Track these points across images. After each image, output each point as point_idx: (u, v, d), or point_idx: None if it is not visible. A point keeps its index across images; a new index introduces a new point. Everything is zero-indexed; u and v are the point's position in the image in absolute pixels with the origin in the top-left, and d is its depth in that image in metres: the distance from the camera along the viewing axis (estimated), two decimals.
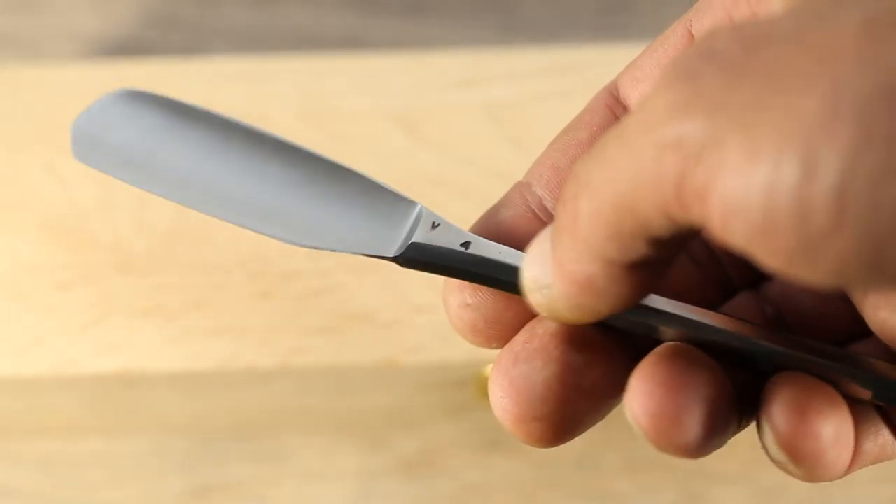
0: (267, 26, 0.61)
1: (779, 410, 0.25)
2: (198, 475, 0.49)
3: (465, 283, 0.27)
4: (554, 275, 0.25)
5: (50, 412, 0.49)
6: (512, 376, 0.26)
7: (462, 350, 0.44)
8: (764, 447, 0.26)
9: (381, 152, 0.49)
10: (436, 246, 0.28)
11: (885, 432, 0.27)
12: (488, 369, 0.28)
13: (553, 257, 0.25)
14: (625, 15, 0.61)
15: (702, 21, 0.28)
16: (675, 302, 0.26)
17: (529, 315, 0.27)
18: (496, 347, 0.28)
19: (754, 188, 0.21)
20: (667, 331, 0.26)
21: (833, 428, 0.25)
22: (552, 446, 0.26)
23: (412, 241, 0.28)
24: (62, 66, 0.55)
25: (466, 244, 0.27)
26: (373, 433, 0.50)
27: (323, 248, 0.28)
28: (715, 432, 0.25)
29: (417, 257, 0.28)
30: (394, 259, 0.28)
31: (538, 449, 0.28)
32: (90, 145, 0.29)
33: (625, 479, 0.49)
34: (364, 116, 0.50)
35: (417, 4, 0.61)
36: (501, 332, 0.28)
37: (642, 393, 0.25)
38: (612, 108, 0.29)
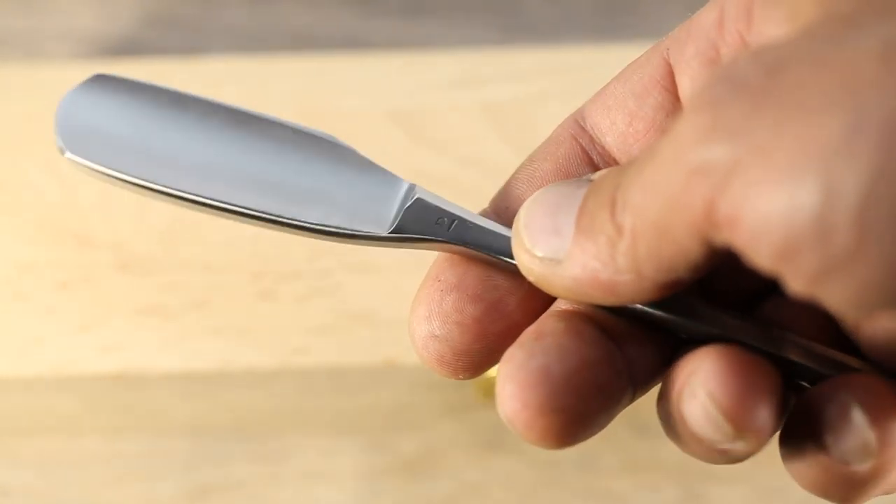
0: (267, 26, 0.61)
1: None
2: (198, 475, 0.49)
3: (433, 314, 0.27)
4: (572, 262, 0.25)
5: (50, 412, 0.49)
6: (530, 368, 0.25)
7: None
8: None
9: (381, 152, 0.49)
10: (425, 221, 0.28)
11: None
12: (492, 370, 0.28)
13: (577, 246, 0.25)
14: (625, 15, 0.61)
15: (681, 50, 0.28)
16: None
17: (498, 346, 0.27)
18: (463, 378, 0.28)
19: (776, 211, 0.21)
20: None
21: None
22: (565, 445, 0.26)
23: (401, 218, 0.28)
24: (62, 66, 0.55)
25: (455, 219, 0.28)
26: (373, 433, 0.50)
27: (309, 231, 0.28)
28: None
29: (408, 232, 0.28)
30: (387, 238, 0.28)
31: (538, 449, 0.28)
32: (78, 139, 0.29)
33: (625, 479, 0.49)
34: (364, 116, 0.50)
35: (417, 4, 0.61)
36: (469, 364, 0.27)
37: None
38: (578, 137, 0.29)
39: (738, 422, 0.24)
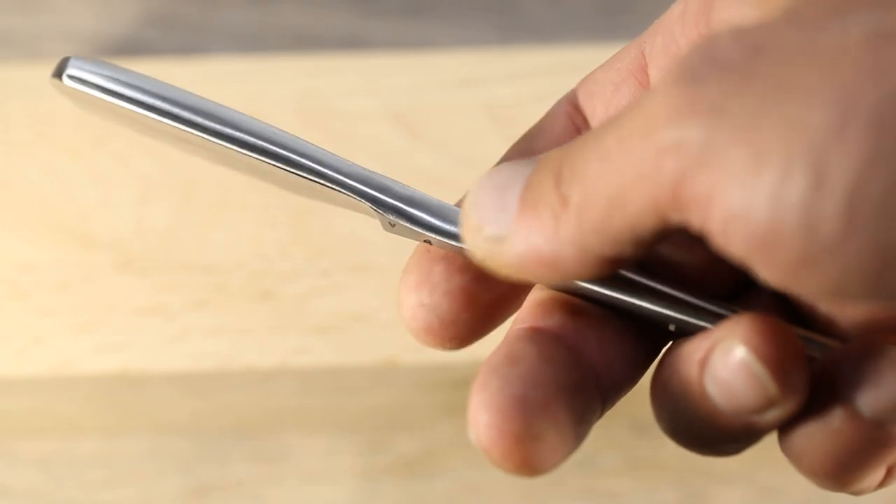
0: (267, 26, 0.61)
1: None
2: (198, 475, 0.49)
3: (422, 282, 0.27)
4: (515, 239, 0.24)
5: (50, 412, 0.49)
6: (506, 396, 0.24)
7: (462, 350, 0.44)
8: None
9: (381, 152, 0.49)
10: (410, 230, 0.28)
11: None
12: None
13: (520, 221, 0.24)
14: (625, 15, 0.61)
15: (652, 43, 0.28)
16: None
17: (486, 316, 0.27)
18: (450, 349, 0.28)
19: (759, 197, 0.21)
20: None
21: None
22: (541, 473, 0.25)
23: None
24: None
25: (430, 239, 0.28)
26: (373, 433, 0.50)
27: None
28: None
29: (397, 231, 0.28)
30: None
31: None
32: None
33: (625, 479, 0.49)
34: (364, 116, 0.50)
35: (417, 4, 0.61)
36: (456, 333, 0.27)
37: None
38: (572, 116, 0.29)
39: (783, 377, 0.23)
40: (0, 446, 0.50)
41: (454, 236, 0.27)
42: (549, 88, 0.50)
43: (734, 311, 0.26)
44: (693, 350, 0.25)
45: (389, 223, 0.28)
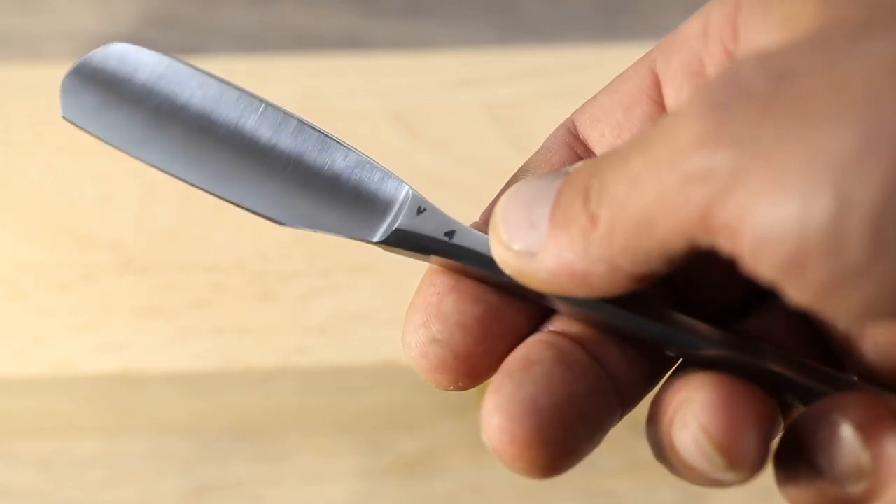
0: (267, 26, 0.61)
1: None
2: (198, 475, 0.49)
3: (430, 318, 0.26)
4: (547, 255, 0.25)
5: (50, 412, 0.49)
6: (518, 400, 0.25)
7: None
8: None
9: (381, 152, 0.49)
10: (419, 233, 0.27)
11: None
12: None
13: (551, 238, 0.25)
14: (625, 15, 0.61)
15: (668, 61, 0.28)
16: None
17: (501, 350, 0.26)
18: (461, 388, 0.27)
19: (785, 222, 0.21)
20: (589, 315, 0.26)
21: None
22: (552, 475, 0.25)
23: (396, 226, 0.27)
24: (62, 66, 0.55)
25: (451, 233, 0.27)
26: (373, 433, 0.50)
27: (306, 229, 0.28)
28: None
29: (401, 242, 0.27)
30: (377, 244, 0.28)
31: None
32: (79, 101, 0.29)
33: (625, 478, 0.49)
34: (364, 116, 0.50)
35: (417, 4, 0.61)
36: (471, 369, 0.26)
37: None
38: (572, 145, 0.29)
39: (731, 455, 0.24)
40: (0, 446, 0.50)
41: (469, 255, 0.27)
42: (549, 88, 0.50)
43: (725, 339, 0.26)
44: (665, 407, 0.25)
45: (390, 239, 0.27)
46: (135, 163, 0.49)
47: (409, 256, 0.28)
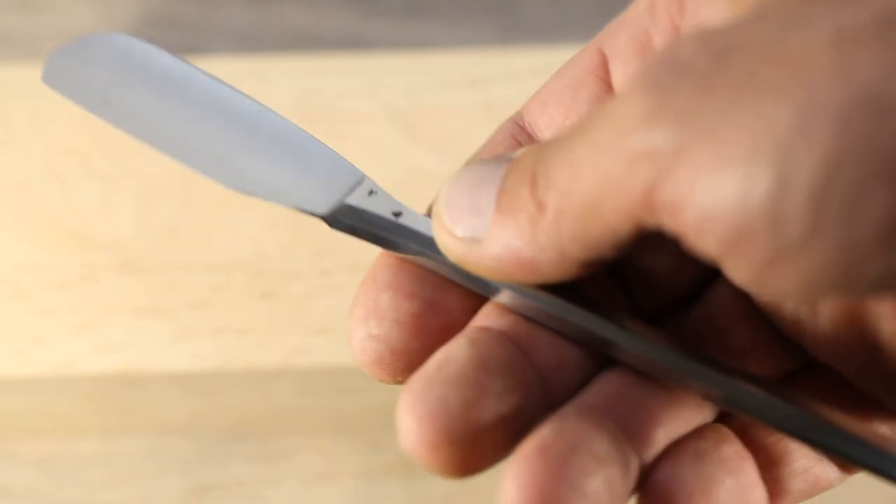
0: (267, 26, 0.61)
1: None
2: (198, 475, 0.49)
3: (371, 314, 0.26)
4: (493, 242, 0.25)
5: (50, 412, 0.49)
6: (427, 400, 0.24)
7: None
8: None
9: (381, 152, 0.49)
10: (368, 211, 0.27)
11: (815, 467, 0.27)
12: None
13: (498, 225, 0.24)
14: None
15: (614, 39, 0.28)
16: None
17: (439, 344, 0.26)
18: (401, 382, 0.27)
19: (726, 198, 0.21)
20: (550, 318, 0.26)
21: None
22: (468, 475, 0.25)
23: (346, 202, 0.27)
24: None
25: (398, 214, 0.27)
26: (373, 433, 0.50)
27: (255, 195, 0.28)
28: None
29: (347, 220, 0.27)
30: (324, 218, 0.27)
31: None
32: (62, 74, 0.29)
33: None
34: (364, 116, 0.50)
35: (417, 4, 0.61)
36: (409, 364, 0.26)
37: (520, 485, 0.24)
38: (517, 136, 0.29)
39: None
40: (0, 446, 0.50)
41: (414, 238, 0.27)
42: None
43: (669, 339, 0.26)
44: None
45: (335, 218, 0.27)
46: (135, 163, 0.49)
47: (359, 238, 0.28)
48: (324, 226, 0.28)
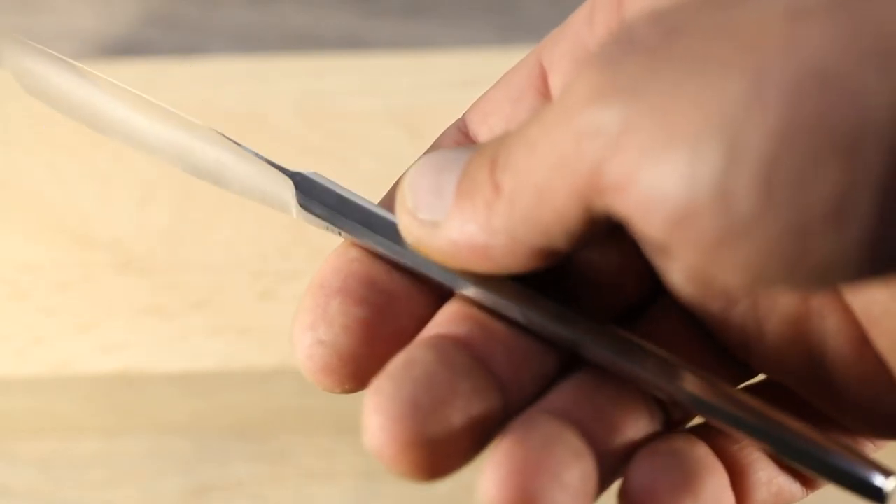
0: (267, 26, 0.61)
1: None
2: (198, 475, 0.49)
3: (317, 320, 0.26)
4: (450, 225, 0.24)
5: (50, 412, 0.49)
6: (398, 399, 0.24)
7: None
8: None
9: (381, 152, 0.49)
10: (330, 188, 0.27)
11: (778, 478, 0.26)
12: None
13: (456, 208, 0.24)
14: None
15: (553, 51, 0.27)
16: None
17: (386, 352, 0.26)
18: (347, 391, 0.26)
19: (673, 175, 0.20)
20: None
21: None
22: (435, 478, 0.25)
23: (308, 175, 0.27)
24: None
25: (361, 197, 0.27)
26: None
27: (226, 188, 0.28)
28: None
29: (313, 196, 0.27)
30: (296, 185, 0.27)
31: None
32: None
33: None
34: (364, 116, 0.50)
35: (417, 4, 0.61)
36: (356, 371, 0.26)
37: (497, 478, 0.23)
38: (461, 143, 0.28)
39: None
40: (0, 446, 0.50)
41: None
42: None
43: (641, 345, 0.25)
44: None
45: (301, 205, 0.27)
46: (135, 163, 0.49)
47: (321, 225, 0.27)
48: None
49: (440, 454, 0.24)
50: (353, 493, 0.49)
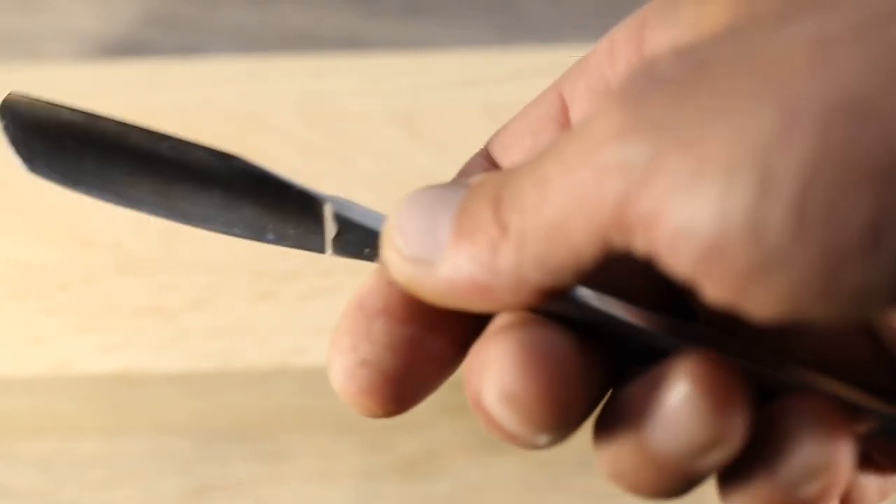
0: (267, 26, 0.61)
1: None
2: (198, 475, 0.49)
3: (360, 341, 0.25)
4: (447, 263, 0.24)
5: (50, 412, 0.49)
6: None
7: None
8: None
9: (381, 152, 0.49)
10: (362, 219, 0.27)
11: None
12: None
13: (454, 247, 0.24)
14: (625, 15, 0.61)
15: (574, 85, 0.27)
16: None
17: (431, 370, 0.25)
18: (389, 413, 0.26)
19: (705, 208, 0.20)
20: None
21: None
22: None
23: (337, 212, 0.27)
24: (62, 66, 0.55)
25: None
26: (373, 433, 0.50)
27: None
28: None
29: (346, 230, 0.27)
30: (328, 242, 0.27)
31: (539, 450, 0.27)
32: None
33: None
34: (364, 116, 0.50)
35: (417, 4, 0.61)
36: (400, 392, 0.25)
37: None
38: (488, 170, 0.28)
39: (727, 418, 0.22)
40: (0, 446, 0.50)
41: None
42: None
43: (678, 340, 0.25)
44: (635, 391, 0.24)
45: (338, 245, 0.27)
46: None
47: (357, 257, 0.27)
48: None
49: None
50: (353, 493, 0.49)
